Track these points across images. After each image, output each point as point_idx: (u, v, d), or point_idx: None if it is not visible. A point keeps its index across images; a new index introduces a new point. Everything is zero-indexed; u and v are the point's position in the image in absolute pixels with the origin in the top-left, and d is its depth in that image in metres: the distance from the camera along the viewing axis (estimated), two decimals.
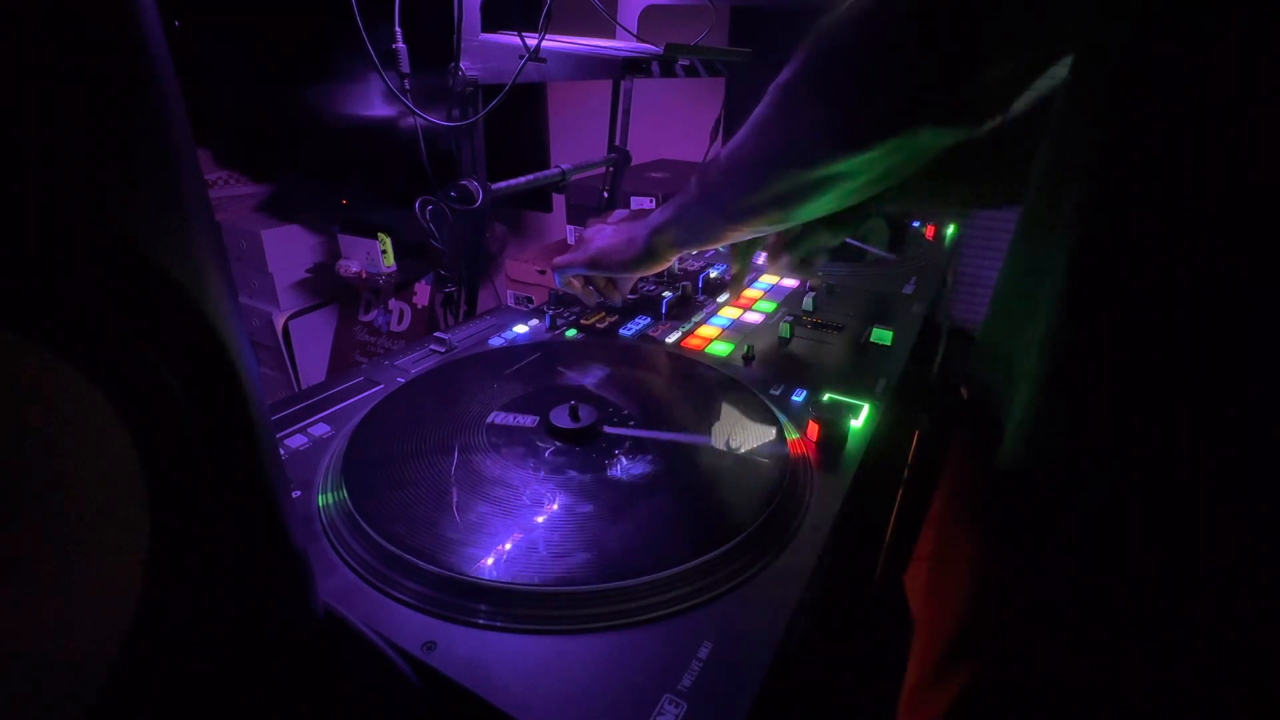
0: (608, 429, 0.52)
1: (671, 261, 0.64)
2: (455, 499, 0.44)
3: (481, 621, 0.36)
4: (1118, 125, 0.32)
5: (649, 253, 0.61)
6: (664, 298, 0.78)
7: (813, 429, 0.53)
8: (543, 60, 0.79)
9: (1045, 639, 0.37)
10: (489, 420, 0.52)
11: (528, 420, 0.52)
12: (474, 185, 0.80)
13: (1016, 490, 0.38)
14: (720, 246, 1.00)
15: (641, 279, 0.85)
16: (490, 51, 0.79)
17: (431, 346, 0.69)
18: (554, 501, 0.44)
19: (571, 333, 0.73)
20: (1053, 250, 0.35)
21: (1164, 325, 0.31)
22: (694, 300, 0.83)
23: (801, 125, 0.41)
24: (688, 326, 0.75)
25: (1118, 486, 0.33)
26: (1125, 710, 0.35)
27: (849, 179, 0.42)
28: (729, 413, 0.56)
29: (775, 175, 0.44)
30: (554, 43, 0.87)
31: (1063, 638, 0.36)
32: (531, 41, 0.77)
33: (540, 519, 0.42)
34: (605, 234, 0.67)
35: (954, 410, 0.50)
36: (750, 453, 0.50)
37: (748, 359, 0.67)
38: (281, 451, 0.51)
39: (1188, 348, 0.31)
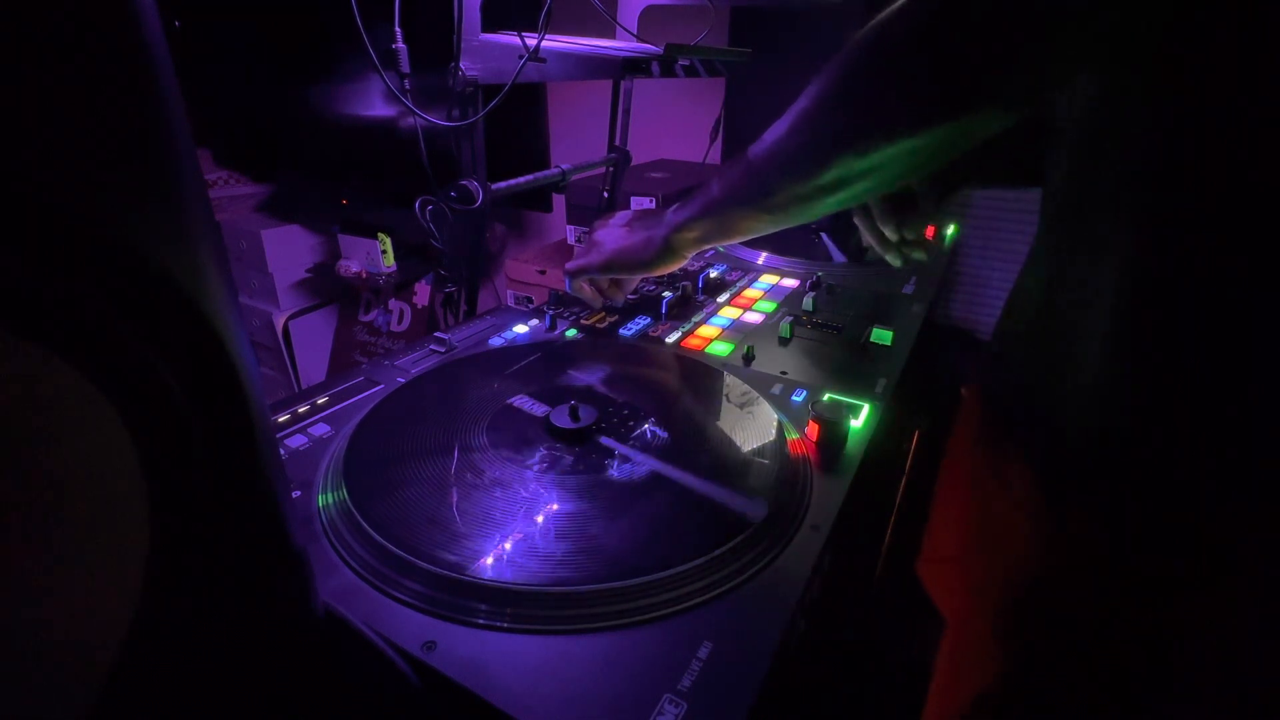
0: (604, 440, 0.52)
1: (688, 259, 0.64)
2: (455, 499, 0.44)
3: (481, 621, 0.36)
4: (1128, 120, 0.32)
5: (669, 251, 0.62)
6: (664, 298, 0.78)
7: (813, 429, 0.53)
8: (543, 60, 0.79)
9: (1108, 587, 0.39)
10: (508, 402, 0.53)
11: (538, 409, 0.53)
12: (474, 185, 0.80)
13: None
14: (721, 247, 1.00)
15: (642, 279, 0.85)
16: (490, 51, 0.79)
17: (431, 346, 0.69)
18: (554, 501, 0.44)
19: (572, 333, 0.73)
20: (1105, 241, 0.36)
21: (1164, 323, 0.31)
22: (694, 300, 0.83)
23: (865, 108, 0.41)
24: (688, 326, 0.75)
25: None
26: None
27: (896, 164, 0.42)
28: (729, 413, 0.56)
29: (831, 161, 0.44)
30: (554, 43, 0.86)
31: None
32: (531, 41, 0.77)
33: (540, 519, 0.42)
34: (618, 235, 0.67)
35: (982, 376, 0.51)
36: (750, 453, 0.50)
37: (748, 359, 0.67)
38: (281, 451, 0.51)
39: (1187, 347, 0.31)
